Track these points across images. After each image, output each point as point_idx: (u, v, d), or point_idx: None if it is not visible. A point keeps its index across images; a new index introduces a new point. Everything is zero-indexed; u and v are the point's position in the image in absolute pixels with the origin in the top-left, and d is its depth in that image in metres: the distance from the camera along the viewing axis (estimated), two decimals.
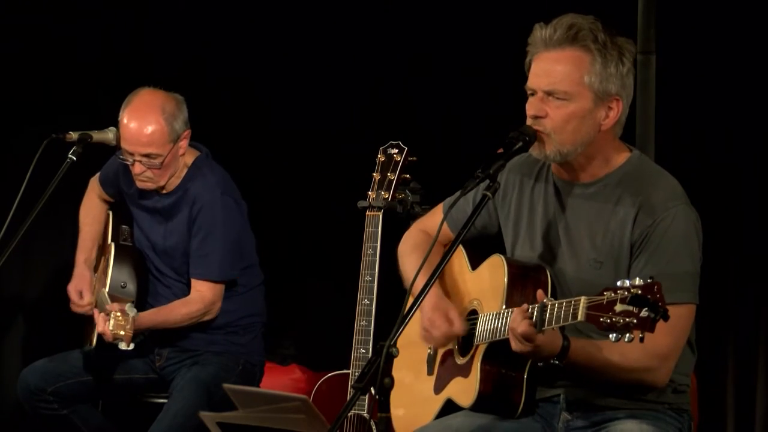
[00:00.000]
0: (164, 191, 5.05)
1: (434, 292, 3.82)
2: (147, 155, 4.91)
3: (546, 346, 3.49)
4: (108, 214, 5.32)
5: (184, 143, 4.98)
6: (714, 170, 5.32)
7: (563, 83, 3.60)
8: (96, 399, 5.19)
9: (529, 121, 3.64)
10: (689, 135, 5.36)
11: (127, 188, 5.15)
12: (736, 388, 5.29)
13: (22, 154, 5.06)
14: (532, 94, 3.65)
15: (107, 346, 5.05)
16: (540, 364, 3.56)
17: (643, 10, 5.33)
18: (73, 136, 5.02)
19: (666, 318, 3.21)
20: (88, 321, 5.23)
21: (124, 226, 5.25)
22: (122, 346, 4.76)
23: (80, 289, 5.17)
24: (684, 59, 5.32)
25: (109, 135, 5.12)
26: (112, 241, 5.22)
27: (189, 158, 5.06)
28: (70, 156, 4.96)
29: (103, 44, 6.00)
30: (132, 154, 4.93)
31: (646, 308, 3.19)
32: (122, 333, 4.72)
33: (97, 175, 5.32)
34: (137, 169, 4.94)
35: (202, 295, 4.97)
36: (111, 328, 4.71)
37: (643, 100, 5.25)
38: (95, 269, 5.28)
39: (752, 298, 5.27)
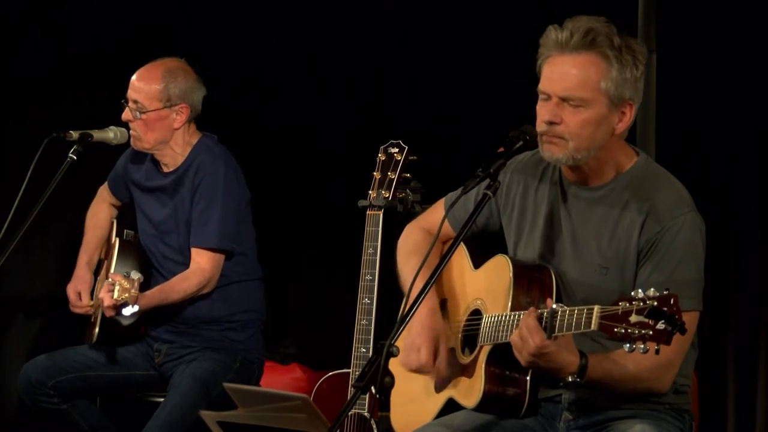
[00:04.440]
0: (168, 170, 5.10)
1: (429, 306, 3.81)
2: (135, 101, 5.01)
3: (555, 356, 3.47)
4: (113, 223, 5.35)
5: (179, 118, 5.03)
6: (714, 170, 5.32)
7: (580, 89, 3.57)
8: (96, 395, 5.21)
9: (542, 126, 3.61)
10: (689, 134, 5.36)
11: (134, 174, 5.19)
12: (736, 387, 5.29)
13: (23, 153, 5.06)
14: (546, 99, 3.63)
15: (108, 342, 5.07)
16: (561, 384, 3.54)
17: (643, 9, 5.33)
18: (74, 135, 5.04)
19: (683, 332, 3.22)
20: (89, 318, 5.25)
21: (128, 231, 5.27)
22: (127, 310, 4.76)
23: (79, 291, 5.19)
24: (685, 58, 5.31)
25: (109, 134, 5.14)
26: (116, 237, 5.24)
27: (194, 138, 5.11)
28: (70, 155, 4.98)
29: (104, 42, 6.00)
30: (127, 100, 5.03)
31: (663, 321, 3.20)
32: (126, 295, 4.72)
33: (106, 182, 5.37)
34: (124, 114, 5.03)
35: (201, 267, 4.98)
36: (116, 295, 4.72)
37: (644, 99, 5.21)
38: (97, 273, 5.29)
39: (752, 298, 5.27)
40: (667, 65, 5.32)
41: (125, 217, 5.34)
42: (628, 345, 3.24)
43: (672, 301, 3.20)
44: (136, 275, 4.76)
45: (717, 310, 5.22)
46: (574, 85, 3.57)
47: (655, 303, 3.20)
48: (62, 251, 5.66)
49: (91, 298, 5.22)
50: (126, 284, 4.73)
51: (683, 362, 3.65)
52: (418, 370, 3.82)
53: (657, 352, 3.23)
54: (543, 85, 3.62)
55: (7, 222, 4.83)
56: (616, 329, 3.25)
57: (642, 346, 3.22)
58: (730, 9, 5.22)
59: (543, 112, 3.62)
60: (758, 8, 5.17)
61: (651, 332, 3.21)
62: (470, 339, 3.81)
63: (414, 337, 3.80)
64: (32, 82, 5.93)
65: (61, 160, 4.95)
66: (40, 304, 5.97)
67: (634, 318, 3.23)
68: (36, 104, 5.91)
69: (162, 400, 4.99)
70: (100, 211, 5.37)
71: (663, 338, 3.21)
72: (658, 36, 5.31)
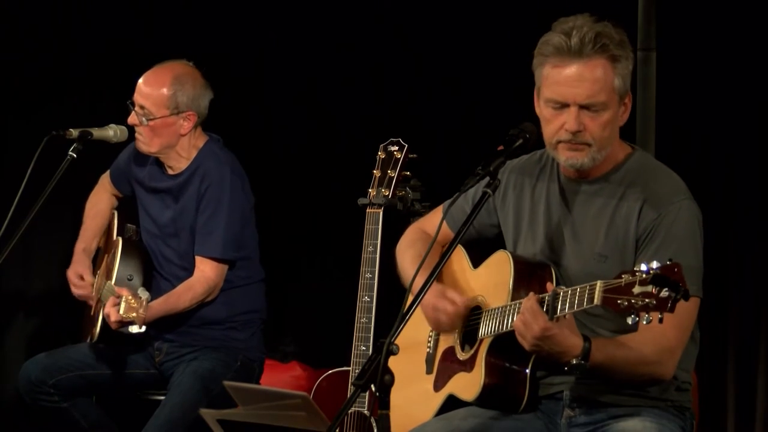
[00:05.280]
0: (173, 172, 5.09)
1: (434, 289, 3.83)
2: (141, 107, 4.98)
3: (559, 339, 3.48)
4: (113, 213, 5.34)
5: (186, 124, 5.01)
6: (714, 167, 5.32)
7: (600, 94, 3.60)
8: (96, 393, 5.20)
9: (564, 135, 3.61)
10: (689, 132, 5.36)
11: (138, 172, 5.18)
12: (736, 385, 5.29)
13: (23, 151, 5.07)
14: (560, 107, 3.63)
15: (109, 340, 5.07)
16: (566, 369, 3.53)
17: (643, 7, 5.33)
18: (74, 133, 5.03)
19: (687, 297, 3.22)
20: (88, 316, 5.25)
21: (129, 225, 5.27)
22: (134, 329, 4.74)
23: (80, 273, 5.19)
24: (684, 56, 5.31)
25: (109, 132, 5.14)
26: (118, 236, 5.24)
27: (200, 141, 5.09)
28: (70, 153, 4.98)
29: (105, 41, 6.00)
30: (134, 103, 5.01)
31: (667, 288, 3.20)
32: (134, 315, 4.70)
33: (108, 171, 5.35)
34: (130, 118, 5.02)
35: (206, 276, 4.98)
36: (122, 311, 4.71)
37: (644, 98, 5.24)
38: (96, 268, 5.29)
39: (752, 295, 5.28)
40: (667, 64, 5.32)
41: (126, 209, 5.32)
42: (631, 317, 3.24)
43: (676, 269, 3.21)
44: (144, 294, 4.73)
45: (717, 308, 5.22)
46: (594, 91, 3.59)
47: (659, 272, 3.21)
48: (62, 249, 5.66)
49: (93, 279, 5.21)
50: (134, 303, 4.71)
51: (685, 357, 3.66)
52: (454, 316, 3.83)
53: (660, 321, 3.23)
54: (558, 94, 3.62)
55: (7, 220, 4.83)
56: (619, 301, 3.26)
57: (646, 316, 3.23)
58: (729, 7, 5.22)
59: (561, 120, 3.62)
60: (758, 6, 5.17)
61: (654, 301, 3.21)
62: (470, 335, 3.82)
63: (432, 301, 3.82)
64: (32, 80, 5.93)
65: (60, 158, 4.95)
66: (40, 302, 5.97)
67: (637, 289, 3.24)
68: (36, 102, 5.91)
69: (162, 398, 4.99)
70: (100, 201, 5.35)
71: (666, 306, 3.21)
72: (658, 34, 5.31)
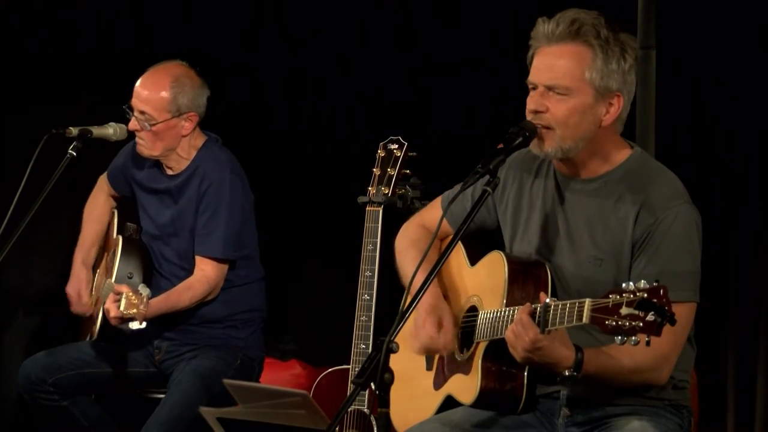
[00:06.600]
0: (172, 172, 5.09)
1: (433, 292, 3.83)
2: (142, 112, 4.98)
3: (550, 351, 3.47)
4: (113, 212, 5.33)
5: (187, 125, 5.01)
6: (714, 167, 5.32)
7: (564, 78, 3.60)
8: (96, 391, 5.20)
9: (529, 116, 3.64)
10: (689, 131, 5.35)
11: (137, 173, 5.17)
12: (736, 383, 5.29)
13: (23, 149, 5.06)
14: (534, 89, 3.66)
15: (108, 338, 5.06)
16: (558, 379, 3.54)
17: (643, 5, 5.33)
18: (73, 131, 5.04)
19: (673, 322, 3.22)
20: (87, 315, 5.25)
21: (129, 223, 5.27)
22: (134, 325, 4.73)
23: (78, 290, 5.19)
24: (684, 54, 5.31)
25: (108, 130, 5.14)
26: (118, 234, 5.24)
27: (199, 141, 5.09)
28: (70, 151, 4.98)
29: (105, 39, 6.00)
30: (132, 109, 5.00)
31: (653, 312, 3.20)
32: (134, 311, 4.70)
33: (106, 173, 5.34)
34: (131, 124, 5.02)
35: (206, 275, 4.99)
36: (122, 308, 4.70)
37: (643, 96, 5.24)
38: (96, 268, 5.28)
39: (753, 294, 5.27)
40: (667, 62, 5.31)
41: (126, 207, 5.32)
42: (619, 337, 3.25)
43: (661, 293, 3.22)
44: (145, 290, 4.73)
45: (717, 306, 5.21)
46: (558, 74, 3.60)
47: (645, 295, 3.22)
48: (62, 248, 5.66)
49: (91, 293, 5.21)
50: (134, 299, 4.70)
51: (682, 358, 3.65)
52: (429, 347, 3.82)
53: (648, 343, 3.24)
54: (530, 76, 3.67)
55: (7, 218, 4.83)
56: (607, 322, 3.27)
57: (633, 338, 3.23)
58: (729, 5, 5.21)
59: (529, 102, 3.66)
60: (758, 5, 5.16)
61: (641, 324, 3.22)
62: (467, 335, 3.82)
63: (424, 316, 3.81)
64: (32, 78, 5.93)
65: (60, 157, 4.95)
66: (40, 300, 5.97)
67: (624, 310, 3.24)
68: (36, 100, 5.91)
69: (162, 396, 4.99)
70: (99, 205, 5.34)
71: (653, 330, 3.22)
72: (658, 32, 5.31)
